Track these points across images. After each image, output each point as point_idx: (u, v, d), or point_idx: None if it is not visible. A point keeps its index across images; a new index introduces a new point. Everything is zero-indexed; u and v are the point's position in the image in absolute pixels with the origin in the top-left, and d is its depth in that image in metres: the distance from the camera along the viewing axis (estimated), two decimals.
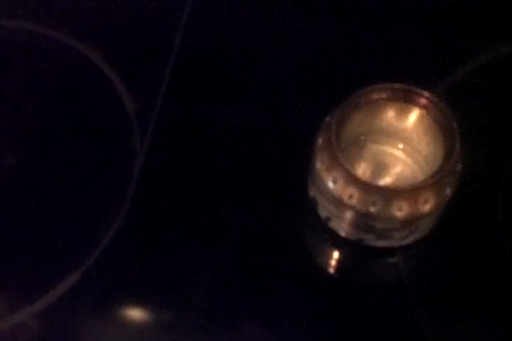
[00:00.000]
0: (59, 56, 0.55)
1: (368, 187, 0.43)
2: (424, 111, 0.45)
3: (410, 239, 0.47)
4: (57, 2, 0.58)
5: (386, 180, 0.48)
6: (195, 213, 0.49)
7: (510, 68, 0.55)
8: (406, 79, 0.45)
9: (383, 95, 0.45)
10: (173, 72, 0.54)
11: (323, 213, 0.47)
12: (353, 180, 0.43)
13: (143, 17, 0.57)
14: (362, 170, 0.48)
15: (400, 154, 0.48)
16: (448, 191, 0.44)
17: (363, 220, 0.44)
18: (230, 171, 0.51)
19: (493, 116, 0.53)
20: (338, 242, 0.48)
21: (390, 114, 0.46)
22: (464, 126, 0.45)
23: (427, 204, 0.44)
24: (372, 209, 0.43)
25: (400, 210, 0.43)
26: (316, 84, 0.54)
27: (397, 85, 0.45)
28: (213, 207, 0.49)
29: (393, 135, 0.48)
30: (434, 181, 0.43)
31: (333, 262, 0.49)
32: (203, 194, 0.50)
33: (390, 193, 0.43)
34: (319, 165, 0.44)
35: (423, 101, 0.45)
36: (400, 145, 0.48)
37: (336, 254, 0.49)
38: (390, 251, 0.48)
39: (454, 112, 0.44)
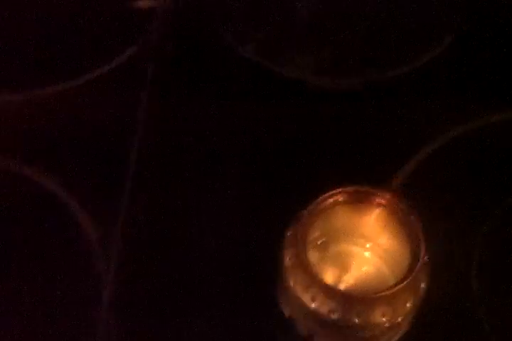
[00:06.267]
0: (10, 186, 0.53)
1: (349, 300, 0.42)
2: (384, 211, 0.44)
3: (395, 338, 0.46)
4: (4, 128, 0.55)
5: (357, 285, 0.46)
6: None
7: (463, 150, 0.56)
8: (360, 178, 0.45)
9: (341, 199, 0.44)
10: (132, 190, 0.53)
11: (303, 331, 0.45)
12: (333, 295, 0.41)
13: (97, 137, 0.55)
14: (331, 276, 0.46)
15: (367, 253, 0.47)
16: (423, 285, 0.44)
17: (349, 332, 0.43)
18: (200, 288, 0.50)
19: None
20: None
21: (350, 216, 0.45)
22: (425, 215, 0.45)
23: (408, 303, 0.43)
24: (357, 320, 0.42)
25: (384, 315, 0.42)
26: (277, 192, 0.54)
27: (352, 188, 0.44)
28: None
29: (357, 235, 0.47)
30: (410, 280, 0.42)
31: None
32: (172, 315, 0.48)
33: (372, 301, 0.42)
34: (292, 284, 0.43)
35: (381, 201, 0.44)
36: (366, 245, 0.47)
37: None
38: None
39: (414, 207, 0.44)
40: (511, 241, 0.52)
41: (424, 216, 0.44)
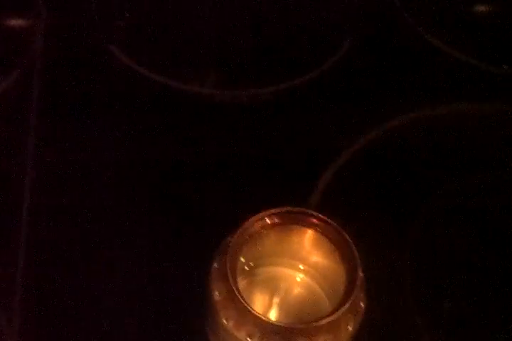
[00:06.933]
0: None
1: (289, 333, 0.38)
2: (315, 231, 0.41)
3: None
4: None
5: (291, 310, 0.43)
6: None
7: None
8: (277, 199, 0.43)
9: (269, 221, 0.41)
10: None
11: None
12: (271, 329, 0.38)
13: None
14: (262, 303, 0.43)
15: (299, 275, 0.44)
16: (362, 305, 0.41)
17: None
18: None
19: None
20: None
21: (280, 239, 0.42)
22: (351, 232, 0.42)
23: (349, 326, 0.40)
24: None
25: None
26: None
27: (279, 209, 0.41)
28: None
29: (288, 258, 0.44)
30: (350, 304, 0.39)
31: None
32: None
33: (313, 331, 0.39)
34: (225, 320, 0.39)
35: (311, 221, 0.41)
36: (299, 267, 0.44)
37: None
38: None
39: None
40: (441, 243, 0.51)
41: (350, 233, 0.42)
